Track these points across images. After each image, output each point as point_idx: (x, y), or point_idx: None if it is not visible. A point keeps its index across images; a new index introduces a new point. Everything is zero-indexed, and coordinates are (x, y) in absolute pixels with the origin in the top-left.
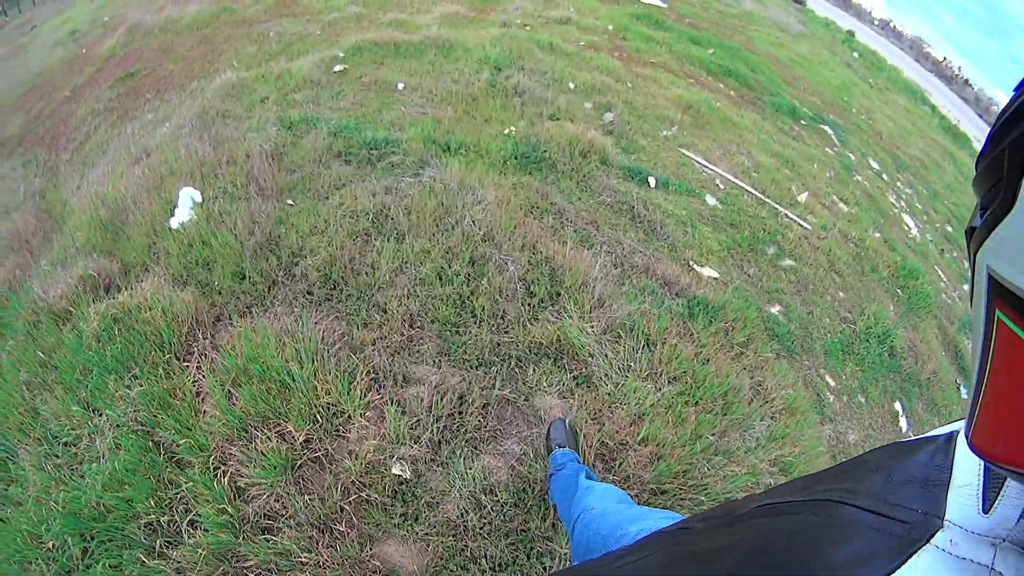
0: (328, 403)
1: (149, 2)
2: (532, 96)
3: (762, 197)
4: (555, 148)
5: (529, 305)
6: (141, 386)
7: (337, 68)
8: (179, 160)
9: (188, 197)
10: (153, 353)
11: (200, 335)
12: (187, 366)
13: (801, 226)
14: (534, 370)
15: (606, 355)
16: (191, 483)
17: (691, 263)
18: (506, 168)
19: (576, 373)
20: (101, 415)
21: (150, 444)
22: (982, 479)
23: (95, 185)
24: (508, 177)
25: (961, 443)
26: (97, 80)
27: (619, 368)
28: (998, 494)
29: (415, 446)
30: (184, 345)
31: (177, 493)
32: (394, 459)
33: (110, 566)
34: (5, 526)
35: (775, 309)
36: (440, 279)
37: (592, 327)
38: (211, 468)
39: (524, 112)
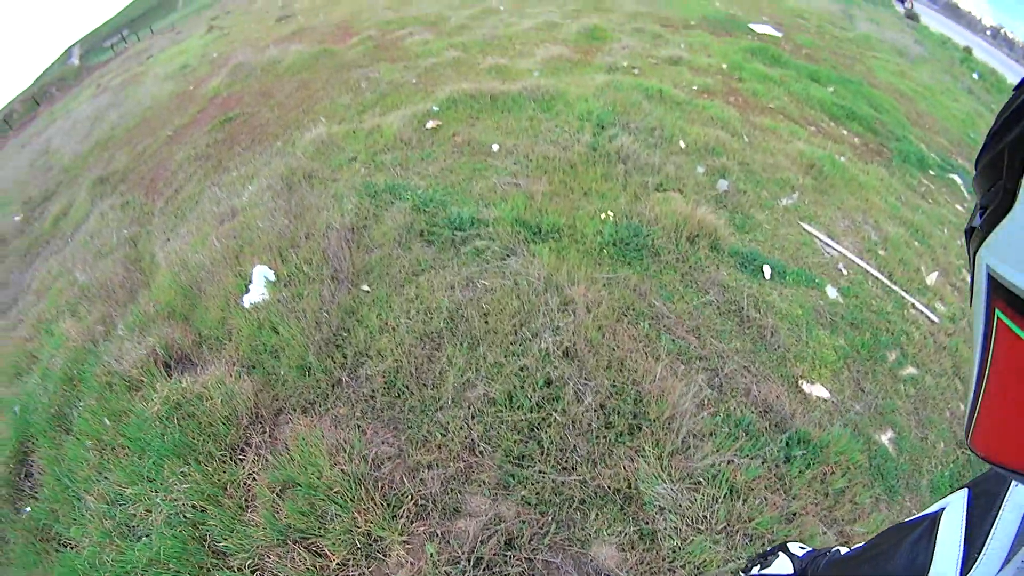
0: (369, 531)
1: (255, 41)
2: (637, 162)
3: (888, 283)
4: (659, 232)
5: (604, 439)
6: (195, 477)
7: (430, 124)
8: (258, 231)
9: (262, 276)
10: (209, 445)
11: (259, 429)
12: (242, 460)
13: (928, 319)
14: (596, 515)
15: (679, 505)
16: None
17: (800, 380)
18: (602, 257)
19: (641, 525)
20: (158, 493)
21: (196, 535)
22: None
23: (182, 242)
24: (603, 269)
25: (943, 527)
26: (198, 121)
27: (691, 520)
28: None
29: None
30: (242, 437)
31: None
32: None
33: None
34: (69, 554)
35: (886, 437)
36: (510, 401)
37: (670, 474)
38: (249, 571)
39: (628, 182)
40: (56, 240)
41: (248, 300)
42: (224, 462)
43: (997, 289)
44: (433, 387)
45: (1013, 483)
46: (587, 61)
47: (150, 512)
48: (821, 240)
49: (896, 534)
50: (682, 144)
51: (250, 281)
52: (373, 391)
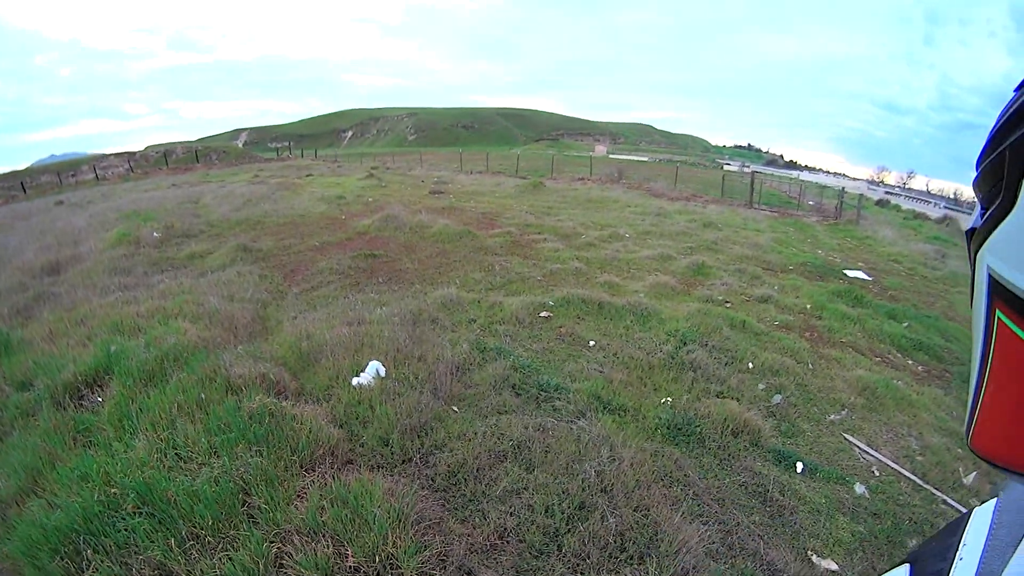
0: (391, 553)
1: (409, 203)
2: (705, 372)
3: (920, 483)
4: (708, 424)
5: (616, 557)
6: (262, 461)
7: (543, 314)
8: (381, 339)
9: (375, 368)
10: (285, 451)
11: (329, 463)
12: (306, 475)
13: (957, 511)
14: None
15: None
16: (249, 534)
17: (811, 553)
18: (654, 435)
19: None
20: (220, 458)
21: (239, 492)
22: None
23: (309, 323)
24: (653, 443)
25: None
26: (344, 246)
27: None
28: None
29: None
30: (312, 461)
31: (231, 533)
32: None
33: (145, 531)
34: (99, 456)
35: None
36: (546, 511)
37: None
38: (269, 536)
39: (693, 386)
40: (188, 270)
41: (356, 381)
42: (291, 466)
43: (997, 290)
44: (486, 485)
45: (957, 557)
46: (687, 291)
47: (203, 467)
48: (860, 447)
49: None
50: (750, 365)
51: (363, 369)
52: (436, 474)
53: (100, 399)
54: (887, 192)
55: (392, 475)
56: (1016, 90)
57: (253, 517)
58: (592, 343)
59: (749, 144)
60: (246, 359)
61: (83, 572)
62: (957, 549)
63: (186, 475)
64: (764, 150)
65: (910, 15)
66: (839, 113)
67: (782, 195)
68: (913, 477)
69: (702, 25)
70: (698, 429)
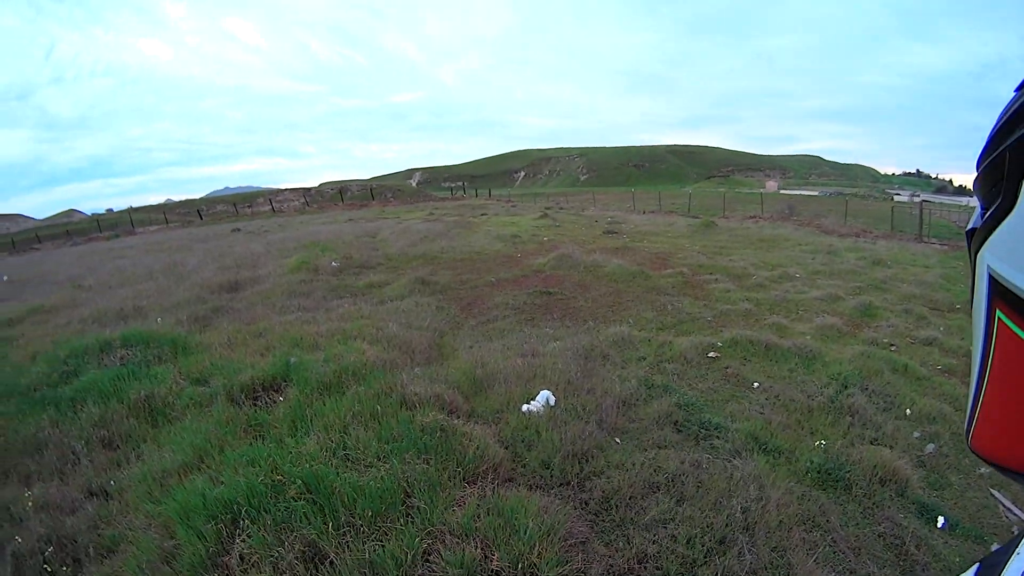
0: (534, 563)
1: (583, 242)
2: (863, 417)
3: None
4: (858, 471)
5: None
6: (427, 469)
7: (711, 354)
8: (553, 371)
9: (545, 397)
10: (451, 463)
11: (491, 478)
12: (467, 487)
13: None
14: None
15: None
16: (404, 528)
17: None
18: (804, 478)
19: None
20: (387, 463)
21: (401, 495)
22: None
23: (484, 353)
24: (801, 486)
25: None
26: (520, 282)
27: None
28: None
29: None
30: (475, 475)
31: (387, 526)
32: None
33: (304, 513)
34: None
35: None
36: (687, 542)
37: None
38: (423, 532)
39: (848, 432)
40: (366, 297)
41: (526, 407)
42: (454, 477)
43: (998, 290)
44: (635, 513)
45: (1016, 552)
46: (853, 333)
47: (370, 468)
48: (1005, 505)
49: None
50: (908, 412)
51: (533, 397)
52: (590, 499)
53: (277, 400)
54: None
55: (548, 494)
56: (1016, 90)
57: (411, 516)
58: (756, 384)
59: (918, 171)
60: (422, 379)
61: (235, 538)
62: (1017, 546)
63: (353, 473)
64: (933, 176)
65: None
66: None
67: (952, 225)
68: None
69: (846, 40)
70: (847, 475)
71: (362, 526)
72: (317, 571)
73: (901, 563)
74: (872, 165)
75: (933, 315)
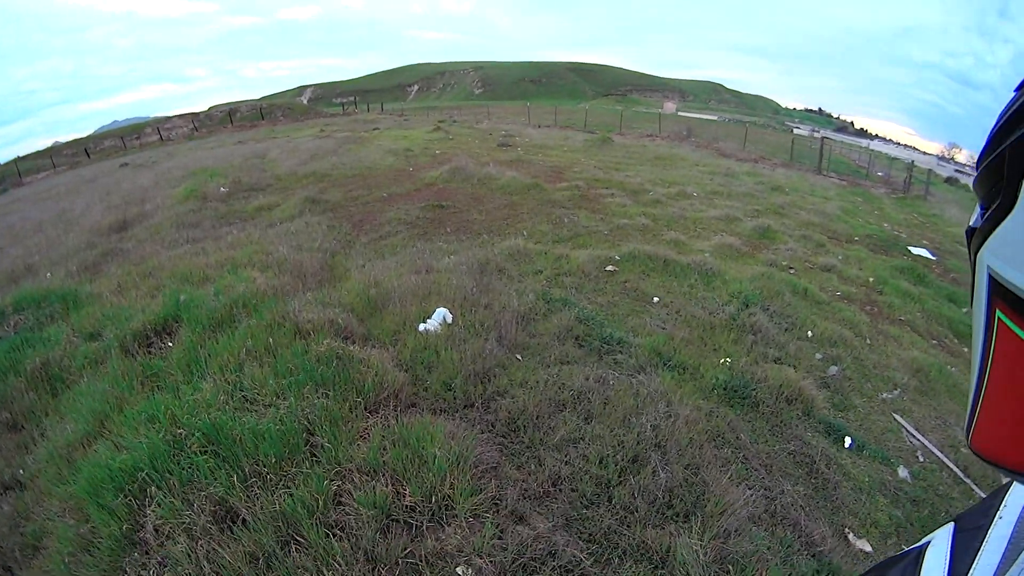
0: (448, 494)
1: (477, 155)
2: (766, 336)
3: (961, 476)
4: (764, 389)
5: (662, 513)
6: (328, 402)
7: (609, 268)
8: (449, 287)
9: (441, 315)
10: (351, 393)
11: (392, 404)
12: (369, 417)
13: None
14: (632, 567)
15: None
16: (310, 471)
17: (847, 531)
18: (711, 394)
19: None
20: (285, 399)
21: (303, 431)
22: None
23: (377, 271)
24: (709, 403)
25: (928, 560)
26: (412, 197)
27: None
28: None
29: (489, 564)
30: (376, 403)
31: (293, 470)
32: (462, 565)
33: (209, 468)
34: (166, 396)
35: None
36: (600, 461)
37: (706, 554)
38: (330, 473)
39: (752, 349)
40: (255, 221)
41: (423, 327)
42: (355, 408)
43: (998, 290)
44: (544, 433)
45: (997, 516)
46: (752, 254)
47: (269, 408)
48: (908, 430)
49: (880, 569)
50: (809, 333)
51: (429, 316)
52: (496, 420)
53: (170, 344)
54: (957, 170)
55: (454, 419)
56: (1016, 90)
57: (316, 456)
58: (656, 299)
59: (820, 109)
60: (314, 305)
61: (146, 508)
62: (998, 509)
63: (252, 415)
64: (834, 116)
65: None
66: (911, 83)
67: (851, 163)
68: (955, 469)
69: None
70: (754, 392)
71: (268, 474)
72: (232, 530)
73: (813, 480)
74: (774, 98)
75: (832, 244)
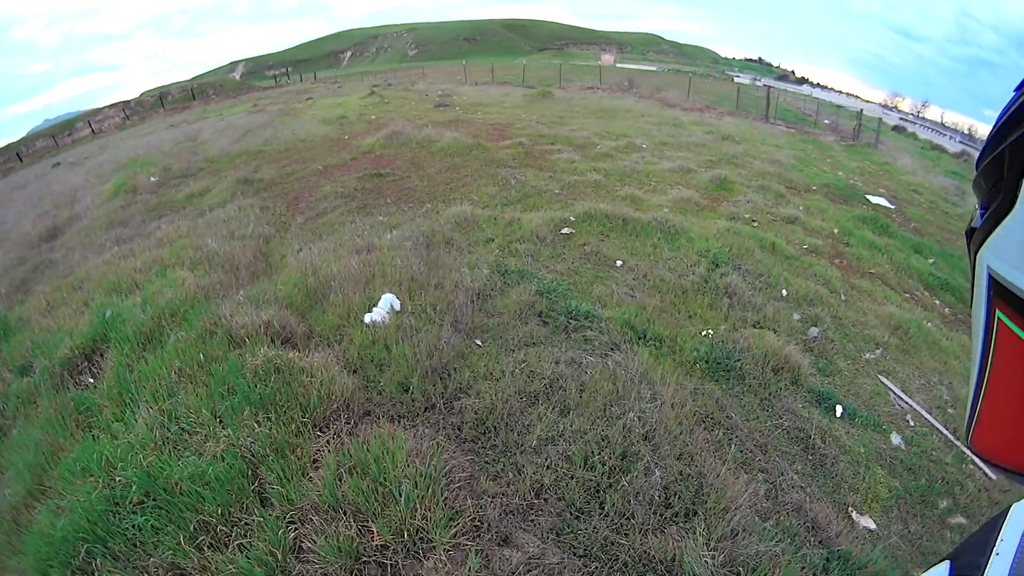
0: (421, 527)
1: (414, 118)
2: (741, 299)
3: (952, 439)
4: (749, 359)
5: (661, 514)
6: (271, 428)
7: (565, 230)
8: (392, 267)
9: (388, 302)
10: (295, 411)
11: (345, 417)
12: (319, 436)
13: (986, 474)
14: None
15: None
16: (262, 519)
17: (850, 509)
18: (694, 369)
19: None
20: (225, 428)
21: (248, 472)
22: None
23: (315, 255)
24: (693, 379)
25: None
26: (349, 167)
27: None
28: None
29: None
30: (327, 418)
31: (243, 518)
32: None
33: (153, 527)
34: (101, 440)
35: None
36: (585, 463)
37: (713, 557)
38: (284, 519)
39: (729, 314)
40: (187, 211)
41: (369, 318)
42: (302, 431)
43: (998, 290)
44: (518, 434)
45: (994, 553)
46: (713, 208)
47: (208, 440)
48: (895, 393)
49: None
50: (784, 292)
51: (375, 304)
52: (463, 423)
53: (99, 372)
54: (901, 118)
55: (415, 425)
56: (1016, 90)
57: (265, 496)
58: (619, 263)
59: (760, 58)
60: (248, 306)
61: None
62: (994, 545)
63: (191, 455)
64: (775, 65)
65: None
66: (853, 34)
67: (797, 111)
68: (945, 431)
69: None
70: (738, 364)
71: (217, 525)
72: None
73: (810, 457)
74: (713, 48)
75: (791, 194)
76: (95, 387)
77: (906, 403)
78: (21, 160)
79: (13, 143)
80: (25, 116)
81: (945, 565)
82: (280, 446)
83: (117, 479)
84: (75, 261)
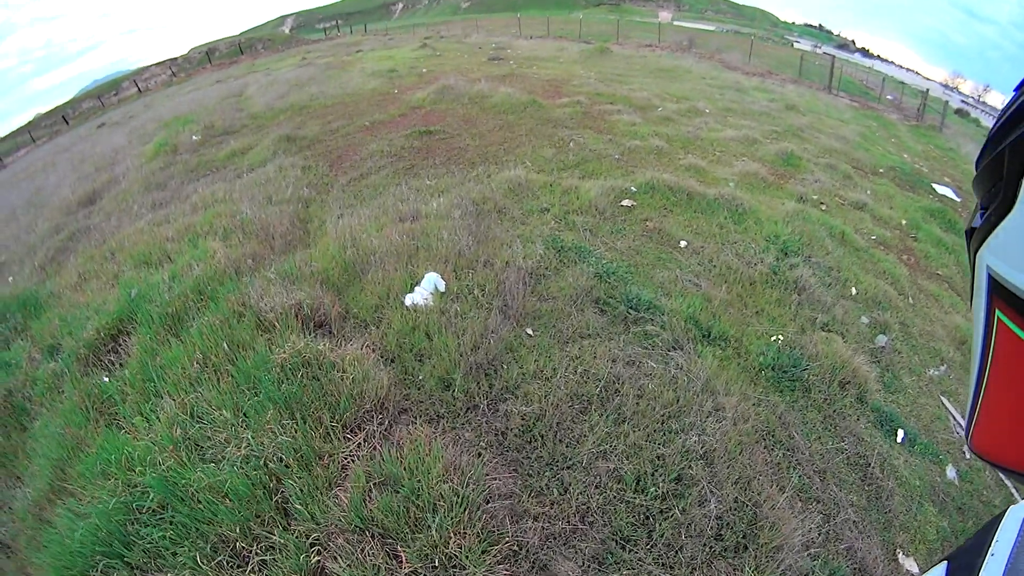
0: (454, 554)
1: (467, 71)
2: (811, 296)
3: (1004, 479)
4: (816, 369)
5: (711, 548)
6: (296, 434)
7: (625, 203)
8: (439, 241)
9: (432, 282)
10: (323, 412)
11: (378, 419)
12: (348, 442)
13: None
14: None
15: None
16: (284, 540)
17: (898, 550)
18: (759, 378)
19: None
20: (248, 430)
21: (269, 485)
22: None
23: (356, 222)
24: (757, 389)
25: None
26: (398, 124)
27: None
28: None
29: None
30: (358, 419)
31: (265, 535)
32: None
33: (171, 539)
34: (122, 436)
35: None
36: (637, 484)
37: None
38: (307, 541)
39: (798, 313)
40: (226, 171)
41: (410, 299)
42: (331, 434)
43: (997, 289)
44: (568, 446)
45: (989, 553)
46: (780, 185)
47: (229, 443)
48: (955, 418)
49: None
50: (853, 291)
51: (417, 283)
52: (507, 428)
53: (124, 356)
54: (963, 101)
55: (454, 427)
56: (1016, 90)
57: (288, 512)
58: (684, 243)
59: (820, 25)
60: (279, 284)
61: None
62: (990, 545)
63: (210, 461)
64: (836, 33)
65: None
66: (917, 7)
67: (860, 84)
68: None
69: None
70: (805, 375)
71: (236, 541)
72: None
73: (867, 488)
74: (771, 10)
75: (858, 176)
76: (119, 374)
77: (966, 432)
78: (67, 123)
79: (60, 106)
80: (73, 81)
81: (943, 566)
82: (304, 456)
83: (138, 479)
84: (110, 228)
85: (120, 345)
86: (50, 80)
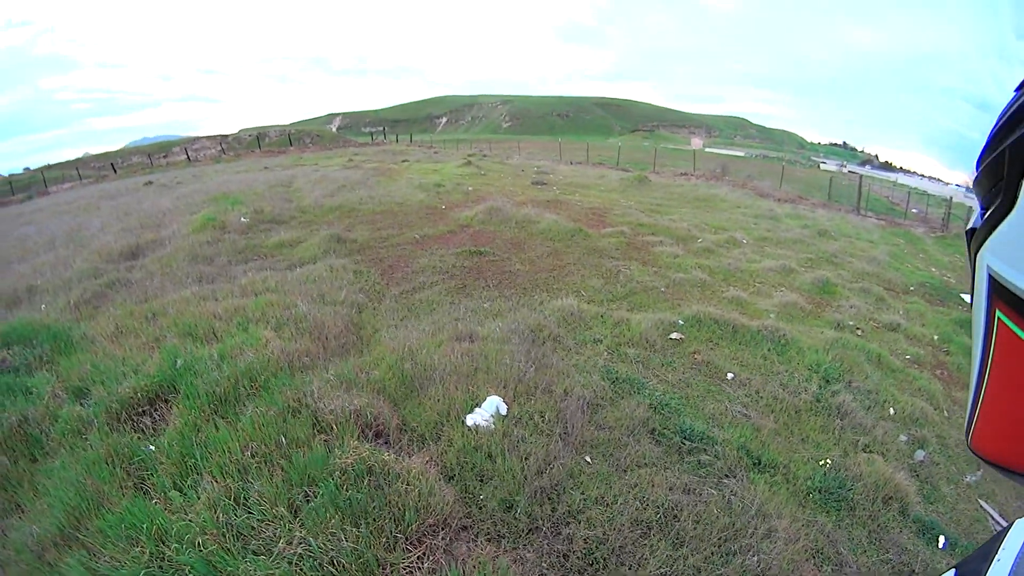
0: None
1: (511, 193)
2: (852, 420)
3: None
4: (860, 488)
5: None
6: (360, 541)
7: (674, 335)
8: (498, 363)
9: (494, 405)
10: (387, 522)
11: (441, 534)
12: (409, 553)
13: None
14: None
15: None
16: None
17: None
18: (807, 500)
19: None
20: (302, 529)
21: None
22: None
23: (412, 337)
24: (805, 510)
25: None
26: (447, 240)
27: None
28: None
29: None
30: (421, 533)
31: None
32: None
33: None
34: (154, 506)
35: None
36: None
37: None
38: None
39: (841, 437)
40: (275, 260)
41: (471, 419)
42: (395, 545)
43: (998, 290)
44: (630, 568)
45: (995, 559)
46: (817, 313)
47: (279, 539)
48: (993, 518)
49: None
50: (891, 411)
51: (478, 404)
52: (570, 551)
53: (163, 421)
54: None
55: (516, 547)
56: (1016, 90)
57: None
58: (731, 375)
59: (844, 142)
60: (338, 387)
61: None
62: (996, 553)
63: (257, 553)
64: (858, 149)
65: (998, 5)
66: (931, 110)
67: (886, 201)
68: None
69: (788, 13)
70: (850, 494)
71: None
72: None
73: None
74: (796, 132)
75: (890, 296)
76: (155, 439)
77: (1003, 527)
78: (115, 171)
79: (111, 152)
80: (125, 130)
81: (951, 573)
82: (368, 565)
83: (168, 553)
84: (152, 288)
85: (157, 410)
86: (105, 123)
